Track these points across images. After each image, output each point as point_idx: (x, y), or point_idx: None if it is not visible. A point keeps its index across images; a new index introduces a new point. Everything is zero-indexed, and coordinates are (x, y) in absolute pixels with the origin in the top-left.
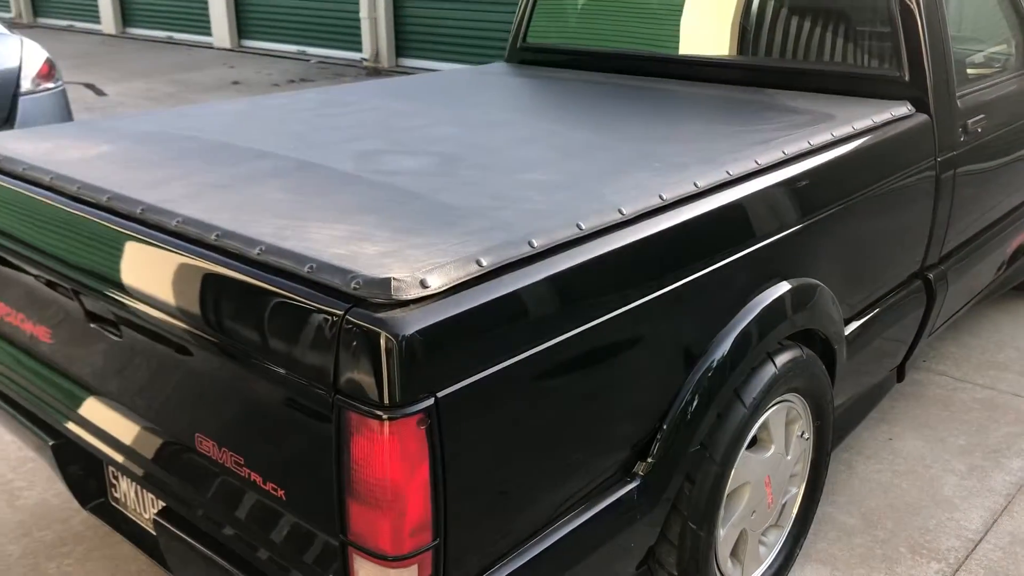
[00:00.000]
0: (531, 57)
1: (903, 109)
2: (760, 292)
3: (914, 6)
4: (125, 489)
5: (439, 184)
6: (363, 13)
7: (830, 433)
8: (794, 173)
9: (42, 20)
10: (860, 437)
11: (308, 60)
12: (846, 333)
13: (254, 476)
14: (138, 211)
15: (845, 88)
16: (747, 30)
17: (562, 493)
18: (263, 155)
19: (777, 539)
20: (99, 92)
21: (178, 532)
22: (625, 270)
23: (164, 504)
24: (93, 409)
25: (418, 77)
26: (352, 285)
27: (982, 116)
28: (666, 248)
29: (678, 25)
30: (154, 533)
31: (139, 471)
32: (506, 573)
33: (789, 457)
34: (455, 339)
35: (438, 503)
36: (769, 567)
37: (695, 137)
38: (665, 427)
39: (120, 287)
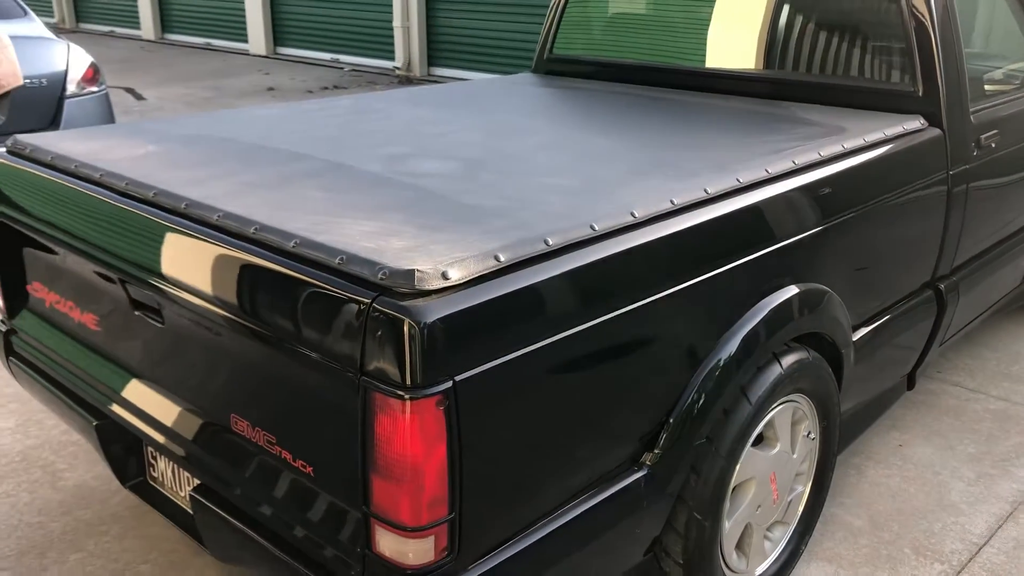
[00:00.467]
0: (557, 68)
1: (916, 123)
2: (768, 295)
3: (928, 23)
4: (163, 468)
5: (462, 186)
6: (396, 22)
7: (836, 434)
8: (803, 182)
9: (84, 25)
10: (871, 443)
11: (342, 68)
12: (855, 339)
13: (285, 454)
14: (182, 206)
15: (860, 102)
16: (766, 45)
17: (572, 478)
18: (298, 157)
19: (783, 535)
20: (138, 96)
21: (213, 507)
22: (636, 269)
23: (200, 481)
24: (135, 391)
25: (447, 86)
26: (379, 276)
27: (995, 132)
28: (676, 250)
29: (699, 39)
30: (189, 510)
31: (177, 450)
32: (518, 549)
33: (795, 456)
34: (473, 327)
35: (454, 479)
36: (774, 562)
37: (709, 146)
38: (672, 420)
39: (164, 277)
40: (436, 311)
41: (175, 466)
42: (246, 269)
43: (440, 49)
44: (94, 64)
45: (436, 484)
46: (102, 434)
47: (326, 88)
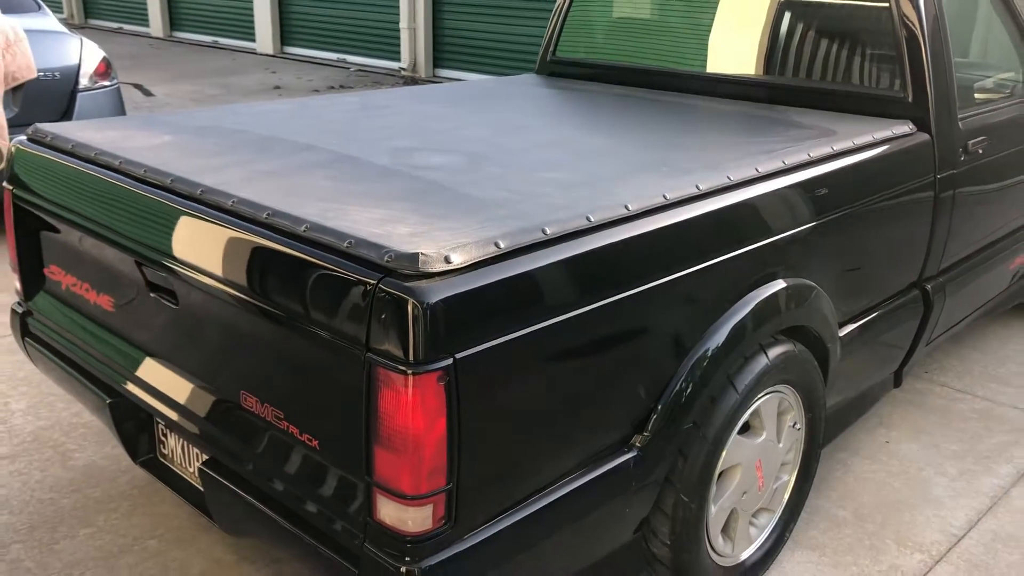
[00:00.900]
0: (560, 70)
1: (904, 128)
2: (756, 288)
3: (918, 32)
4: (173, 445)
5: (466, 178)
6: (403, 23)
7: (822, 425)
8: (792, 181)
9: (93, 22)
10: (859, 439)
11: (348, 68)
12: (841, 334)
13: (292, 428)
14: (198, 192)
15: (852, 107)
16: (763, 51)
17: (564, 456)
18: (309, 148)
19: (768, 522)
20: (147, 92)
21: (222, 480)
22: (629, 260)
23: (209, 456)
24: (148, 370)
25: (452, 85)
26: (385, 259)
27: (984, 138)
28: (667, 242)
29: (699, 44)
30: (198, 485)
31: (188, 426)
32: (512, 521)
33: (781, 445)
34: (473, 308)
35: (452, 451)
36: (759, 548)
37: (703, 146)
38: (661, 405)
39: (179, 259)
40: (438, 292)
41: (185, 443)
42: (259, 252)
43: (445, 51)
44: (106, 59)
45: (435, 455)
46: (115, 412)
47: (332, 87)
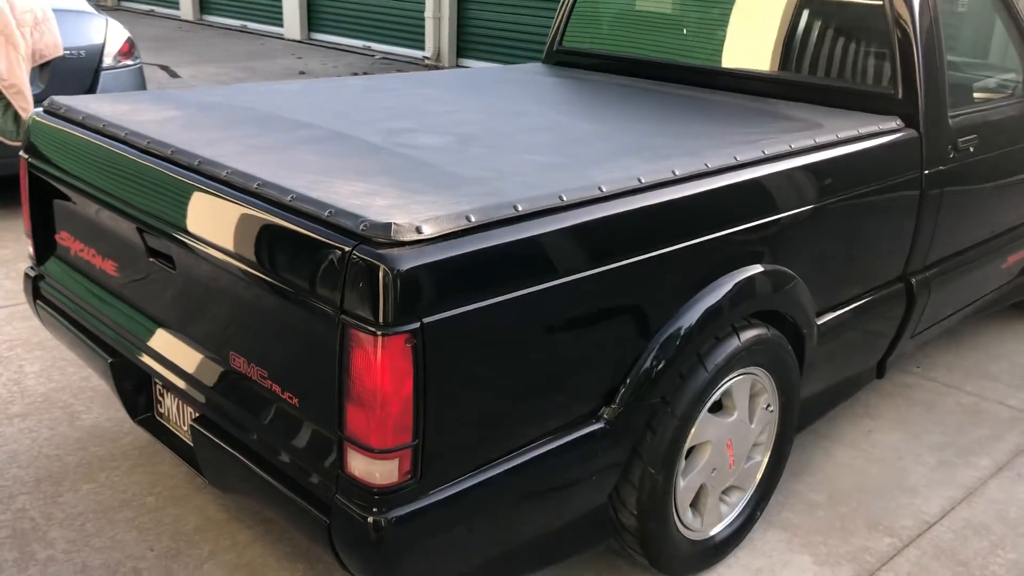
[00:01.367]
0: (566, 59)
1: (892, 124)
2: (729, 272)
3: (911, 30)
4: (169, 405)
5: (451, 158)
6: (428, 12)
7: (796, 410)
8: (770, 171)
9: (126, 4)
10: (842, 428)
11: (372, 56)
12: (820, 322)
13: (275, 387)
14: (196, 163)
15: (845, 102)
16: (760, 46)
17: (531, 423)
18: (306, 125)
19: (739, 500)
20: (173, 74)
21: (210, 436)
22: (599, 238)
23: (199, 413)
24: (146, 332)
25: (458, 71)
26: (360, 227)
27: (975, 136)
28: (639, 223)
29: (699, 38)
30: (189, 442)
31: (181, 385)
32: (478, 480)
33: (753, 426)
34: (442, 277)
35: (418, 410)
36: (729, 525)
37: (688, 135)
38: (630, 379)
39: (177, 226)
40: (408, 260)
41: (180, 402)
42: (248, 219)
43: (469, 40)
44: (130, 39)
45: (401, 412)
46: (115, 371)
47: (355, 74)
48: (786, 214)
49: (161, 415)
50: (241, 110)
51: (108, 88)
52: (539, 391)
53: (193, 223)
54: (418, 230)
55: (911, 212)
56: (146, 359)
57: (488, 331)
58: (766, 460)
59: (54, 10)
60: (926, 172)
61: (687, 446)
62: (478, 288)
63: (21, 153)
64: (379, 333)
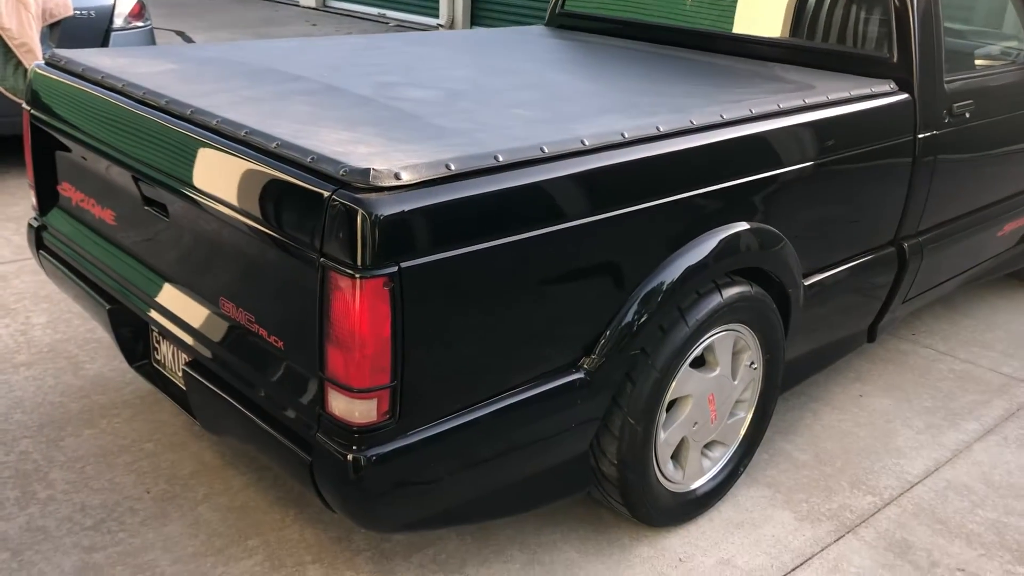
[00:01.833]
0: (568, 22)
1: (886, 87)
2: (711, 229)
3: None
4: (165, 352)
5: (438, 111)
6: None
7: (780, 368)
8: (755, 130)
9: None
10: (832, 391)
11: (387, 23)
12: (808, 283)
13: (261, 331)
14: (188, 112)
15: (841, 66)
16: (757, 9)
17: (511, 370)
18: (298, 79)
19: (722, 455)
20: (187, 39)
21: (201, 380)
22: (579, 191)
23: (191, 358)
24: (142, 279)
25: (458, 32)
26: (340, 172)
27: (970, 102)
28: (620, 178)
29: (697, 2)
30: (183, 386)
31: (174, 330)
32: (457, 423)
33: (736, 382)
34: (420, 223)
35: (396, 351)
36: (712, 479)
37: (677, 94)
38: (610, 331)
39: (170, 175)
40: (386, 205)
41: (175, 348)
42: (235, 166)
43: (484, 8)
44: (140, 1)
45: (380, 353)
46: (113, 317)
47: None
48: (772, 173)
49: (158, 362)
50: (237, 64)
51: None
52: (518, 339)
53: (184, 171)
54: (397, 176)
55: (904, 176)
56: (142, 306)
57: (467, 278)
58: (750, 417)
59: None
60: (920, 136)
61: (668, 399)
62: (457, 235)
63: (23, 105)
64: (357, 276)
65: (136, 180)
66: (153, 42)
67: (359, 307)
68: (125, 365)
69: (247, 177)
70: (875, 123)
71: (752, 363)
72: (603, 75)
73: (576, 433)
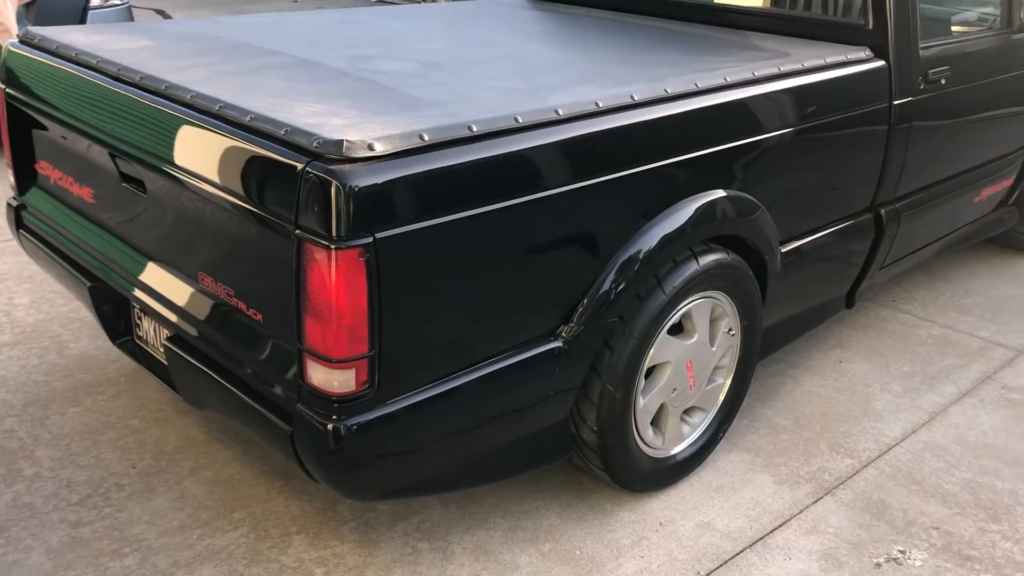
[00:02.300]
0: None
1: (861, 54)
2: (687, 196)
3: None
4: (147, 328)
5: (413, 83)
6: None
7: (758, 334)
8: (730, 98)
9: None
10: (813, 357)
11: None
12: (785, 250)
13: (240, 304)
14: (163, 88)
15: (817, 33)
16: None
17: (489, 339)
18: (274, 53)
19: (702, 421)
20: (166, 17)
21: (182, 354)
22: (554, 160)
23: (173, 333)
24: (122, 256)
25: (437, 4)
26: (314, 144)
27: (946, 68)
28: (595, 146)
29: None
30: (165, 362)
31: (154, 305)
32: (438, 391)
33: (714, 349)
34: (394, 193)
35: (373, 322)
36: (691, 444)
37: (653, 63)
38: (587, 299)
39: (146, 150)
40: (360, 176)
41: (156, 324)
42: (210, 140)
43: None
44: None
45: (357, 324)
46: (94, 295)
47: None
48: (747, 141)
49: (140, 338)
50: (212, 39)
51: None
52: (496, 308)
53: (160, 147)
54: (370, 147)
55: (880, 143)
56: (122, 283)
57: (443, 248)
58: (728, 383)
59: None
60: (895, 103)
61: (646, 366)
62: (432, 205)
63: (0, 84)
64: (332, 247)
65: (113, 157)
66: (131, 19)
67: (335, 278)
68: (109, 344)
69: (222, 151)
70: (850, 90)
71: (730, 329)
72: (579, 45)
73: (556, 400)
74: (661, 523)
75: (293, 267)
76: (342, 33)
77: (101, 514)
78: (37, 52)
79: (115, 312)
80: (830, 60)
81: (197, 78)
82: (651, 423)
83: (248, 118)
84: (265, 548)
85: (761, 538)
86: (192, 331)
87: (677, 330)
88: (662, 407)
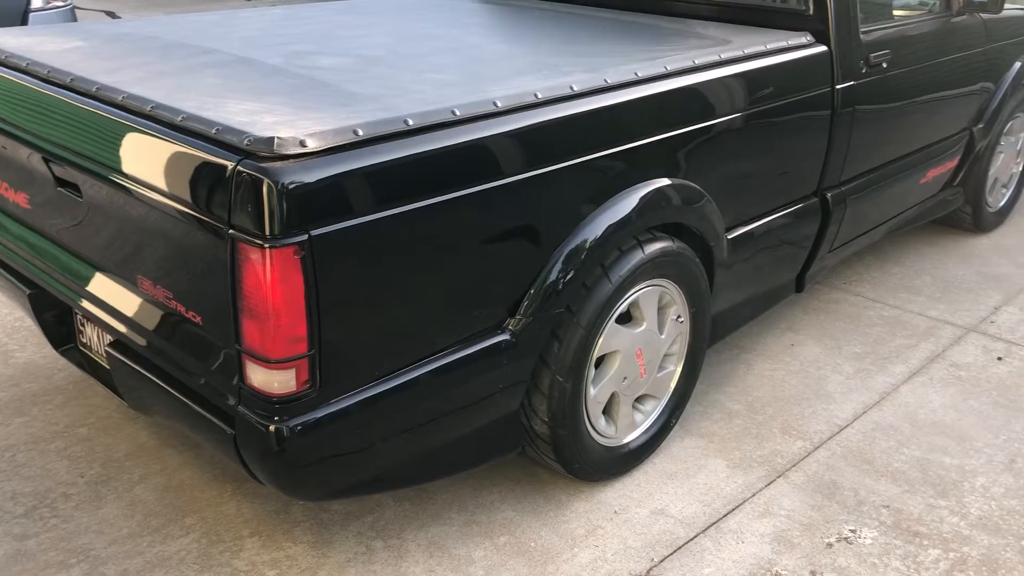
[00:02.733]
0: None
1: (802, 39)
2: (631, 186)
3: None
4: (90, 334)
5: (350, 78)
6: None
7: (708, 321)
8: (671, 86)
9: None
10: (765, 342)
11: None
12: (732, 236)
13: (179, 307)
14: (94, 89)
15: (760, 20)
16: None
17: (434, 334)
18: (210, 52)
19: (654, 409)
20: (116, 18)
21: (124, 359)
22: (493, 152)
23: (115, 338)
24: (61, 262)
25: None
26: (245, 142)
27: (887, 51)
28: (535, 138)
29: None
30: (108, 366)
31: (96, 311)
32: (383, 389)
33: (664, 336)
34: (329, 189)
35: (312, 321)
36: (645, 432)
37: (594, 53)
38: (533, 290)
39: (80, 154)
40: (292, 173)
41: (100, 330)
42: (142, 141)
43: None
44: None
45: (295, 323)
46: (34, 302)
47: None
48: (690, 128)
49: (84, 344)
50: (147, 39)
51: None
52: (439, 303)
53: (93, 150)
54: (302, 144)
55: (824, 127)
56: (62, 289)
57: (382, 243)
58: (679, 370)
59: None
60: (838, 87)
61: (596, 355)
62: (369, 200)
63: None
64: (266, 245)
65: (47, 162)
66: (74, 20)
67: (270, 277)
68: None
69: (154, 152)
70: (792, 76)
71: (679, 317)
72: (522, 37)
73: (505, 393)
74: (615, 511)
75: (228, 267)
76: (282, 30)
77: (47, 525)
78: None
79: (57, 319)
80: (771, 46)
81: (129, 79)
82: (603, 412)
83: (180, 118)
84: (217, 552)
85: (714, 523)
86: (133, 336)
87: (626, 319)
88: (613, 396)
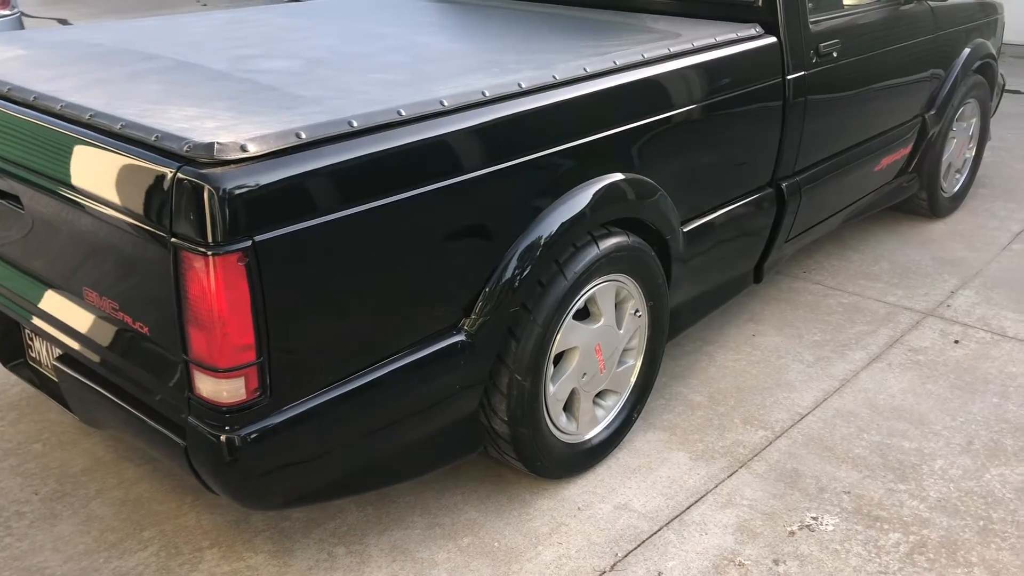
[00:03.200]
0: None
1: (751, 31)
2: (583, 182)
3: None
4: (39, 348)
5: (294, 80)
6: None
7: (666, 314)
8: (620, 81)
9: None
10: (727, 333)
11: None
12: (687, 229)
13: (126, 318)
14: (31, 99)
15: (709, 13)
16: None
17: (387, 336)
18: (152, 57)
19: (615, 404)
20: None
21: (72, 373)
22: (441, 152)
23: (63, 351)
24: (5, 275)
25: (331, 1)
26: (184, 149)
27: (836, 41)
28: (484, 136)
29: None
30: (57, 381)
31: (43, 325)
32: (336, 395)
33: (622, 331)
34: (272, 194)
35: (260, 328)
36: (606, 427)
37: (542, 50)
38: (488, 289)
39: (18, 164)
40: (233, 179)
41: (48, 344)
42: (82, 151)
43: None
44: None
45: (242, 331)
46: None
47: None
48: (641, 123)
49: (33, 359)
50: (89, 46)
51: None
52: (391, 305)
53: (33, 160)
54: (243, 148)
55: (776, 118)
56: (8, 304)
57: (329, 247)
58: (639, 364)
59: None
60: (789, 78)
61: (554, 352)
62: (314, 204)
63: None
64: (209, 253)
65: None
66: (21, 28)
67: (215, 285)
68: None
69: (94, 161)
70: (743, 67)
71: (636, 311)
72: (470, 35)
73: (464, 394)
74: (579, 508)
75: (172, 277)
76: (227, 34)
77: (1, 545)
78: None
79: (5, 334)
80: (720, 39)
81: (68, 87)
82: (564, 409)
83: (119, 126)
84: (176, 566)
85: (678, 515)
86: (81, 348)
87: (583, 315)
88: (574, 392)
